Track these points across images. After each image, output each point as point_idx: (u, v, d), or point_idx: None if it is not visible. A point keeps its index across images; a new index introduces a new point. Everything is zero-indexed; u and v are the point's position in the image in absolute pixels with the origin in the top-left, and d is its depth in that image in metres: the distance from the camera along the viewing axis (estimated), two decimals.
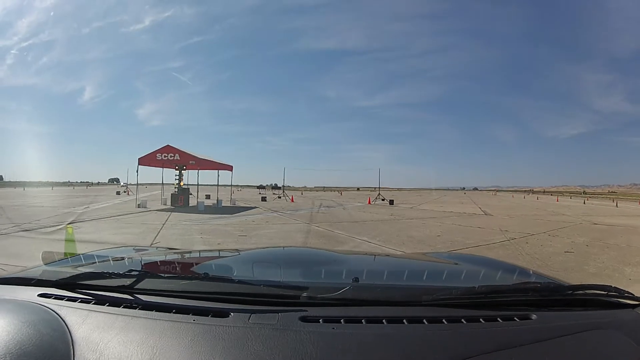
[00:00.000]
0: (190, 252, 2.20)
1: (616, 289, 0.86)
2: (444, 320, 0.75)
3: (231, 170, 19.08)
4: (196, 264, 1.26)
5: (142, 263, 1.26)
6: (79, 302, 0.85)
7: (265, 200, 20.91)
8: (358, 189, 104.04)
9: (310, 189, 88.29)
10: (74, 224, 8.20)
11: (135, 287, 0.88)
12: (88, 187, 56.61)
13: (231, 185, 21.16)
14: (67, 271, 1.02)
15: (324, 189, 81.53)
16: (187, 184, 16.54)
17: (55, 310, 0.79)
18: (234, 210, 14.33)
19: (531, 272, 1.21)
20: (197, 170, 16.04)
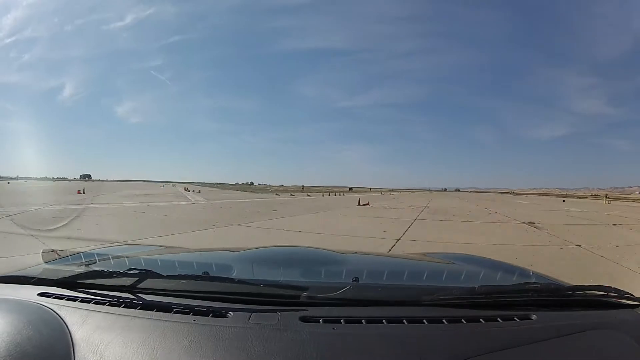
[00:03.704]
0: (190, 251, 2.10)
1: (616, 290, 0.86)
2: (444, 320, 0.75)
3: None
4: (196, 263, 1.24)
5: (143, 262, 1.22)
6: (79, 301, 0.84)
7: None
8: (351, 189, 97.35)
9: (287, 188, 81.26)
10: None
11: (136, 286, 0.87)
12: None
13: None
14: (68, 270, 1.02)
15: (303, 187, 74.23)
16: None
17: (55, 310, 0.78)
18: None
19: (531, 273, 1.19)
20: None
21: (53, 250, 1.24)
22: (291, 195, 31.33)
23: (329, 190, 58.25)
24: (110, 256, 1.23)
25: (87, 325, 0.73)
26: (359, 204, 17.16)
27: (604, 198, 37.28)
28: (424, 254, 1.69)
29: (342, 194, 42.90)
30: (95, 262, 1.16)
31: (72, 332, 0.70)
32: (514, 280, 1.11)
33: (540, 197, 56.88)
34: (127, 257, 1.27)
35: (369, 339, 0.69)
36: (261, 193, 33.61)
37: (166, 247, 1.92)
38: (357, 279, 0.92)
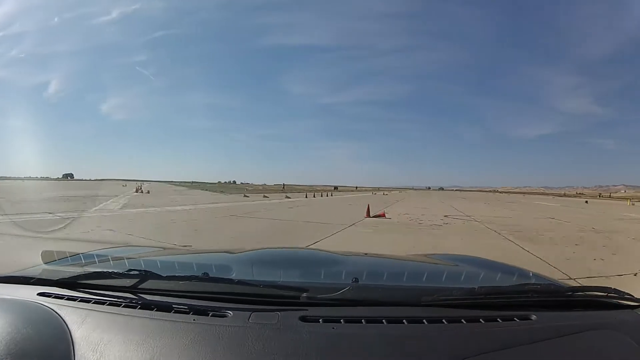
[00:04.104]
0: (189, 252, 2.11)
1: (616, 290, 0.86)
2: (444, 320, 0.75)
3: None
4: (196, 264, 1.23)
5: (142, 263, 1.22)
6: (79, 301, 0.85)
7: None
8: (336, 187, 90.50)
9: (268, 187, 74.03)
10: None
11: (135, 286, 0.88)
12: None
13: None
14: (67, 270, 1.02)
15: (284, 187, 67.29)
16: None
17: (55, 310, 0.78)
18: None
19: (531, 274, 1.19)
20: None
21: (53, 251, 1.23)
22: (264, 197, 23.50)
23: (312, 190, 51.36)
24: (109, 257, 1.23)
25: (87, 324, 0.73)
26: (368, 216, 10.35)
27: (628, 200, 32.83)
28: (424, 255, 1.68)
29: (329, 194, 35.52)
30: (95, 263, 1.16)
31: (72, 332, 0.71)
32: (514, 281, 1.11)
33: (542, 197, 52.72)
34: (126, 258, 1.27)
35: (368, 338, 0.69)
36: (230, 195, 26.09)
37: (165, 248, 2.15)
38: (357, 280, 0.92)
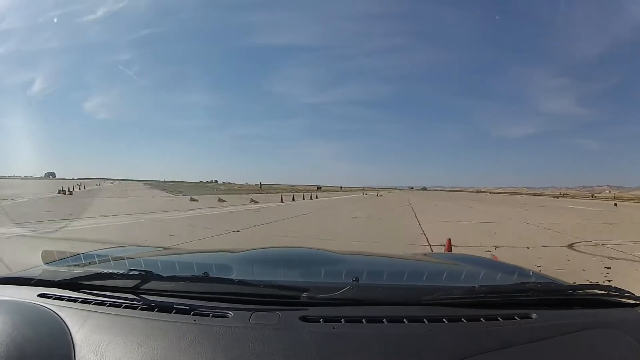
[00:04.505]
0: (190, 252, 2.15)
1: (616, 289, 0.86)
2: (444, 319, 0.75)
3: None
4: (196, 264, 1.22)
5: (143, 263, 1.21)
6: (80, 302, 0.84)
7: None
8: (319, 187, 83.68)
9: (250, 187, 67.81)
10: None
11: (136, 287, 0.87)
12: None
13: None
14: (68, 271, 1.02)
15: (261, 186, 61.20)
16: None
17: (56, 311, 0.78)
18: None
19: (531, 273, 1.19)
20: None
21: (53, 251, 1.21)
22: (220, 200, 16.86)
23: (293, 190, 45.75)
24: (110, 257, 1.22)
25: (88, 325, 0.73)
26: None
27: None
28: (425, 254, 1.66)
29: (313, 196, 27.29)
30: (95, 264, 1.16)
31: (73, 333, 0.70)
32: (514, 280, 1.10)
33: (545, 198, 49.46)
34: (127, 258, 1.26)
35: (369, 338, 0.69)
36: (181, 197, 20.29)
37: (166, 248, 1.98)
38: (357, 279, 0.91)
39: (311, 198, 22.20)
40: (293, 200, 20.03)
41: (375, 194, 39.58)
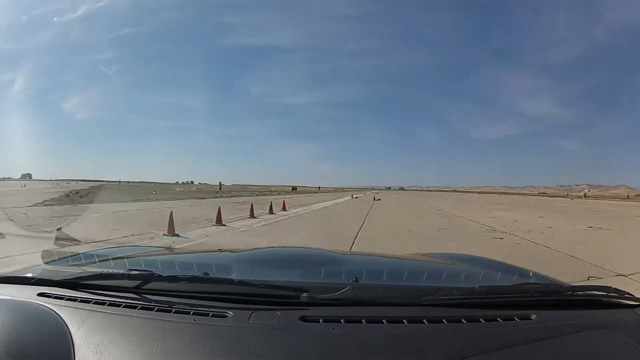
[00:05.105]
0: (190, 252, 2.17)
1: (616, 290, 0.86)
2: (444, 320, 0.75)
3: None
4: (196, 264, 1.23)
5: (143, 263, 1.21)
6: (79, 301, 0.84)
7: None
8: (294, 188, 73.72)
9: (225, 188, 58.76)
10: None
11: (136, 287, 0.87)
12: None
13: None
14: (67, 271, 1.02)
15: (220, 187, 52.39)
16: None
17: (55, 310, 0.78)
18: None
19: (531, 274, 1.18)
20: None
21: (53, 251, 1.22)
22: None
23: (263, 190, 37.08)
24: (110, 257, 1.22)
25: (87, 325, 0.73)
26: None
27: None
28: (424, 255, 1.65)
29: (279, 206, 13.78)
30: (95, 263, 1.15)
31: (72, 332, 0.70)
32: (514, 280, 1.10)
33: (547, 198, 44.81)
34: (127, 258, 1.26)
35: (369, 338, 0.70)
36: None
37: (166, 248, 2.07)
38: (357, 280, 0.91)
39: (271, 211, 12.04)
40: (251, 213, 10.48)
41: (373, 197, 28.74)
